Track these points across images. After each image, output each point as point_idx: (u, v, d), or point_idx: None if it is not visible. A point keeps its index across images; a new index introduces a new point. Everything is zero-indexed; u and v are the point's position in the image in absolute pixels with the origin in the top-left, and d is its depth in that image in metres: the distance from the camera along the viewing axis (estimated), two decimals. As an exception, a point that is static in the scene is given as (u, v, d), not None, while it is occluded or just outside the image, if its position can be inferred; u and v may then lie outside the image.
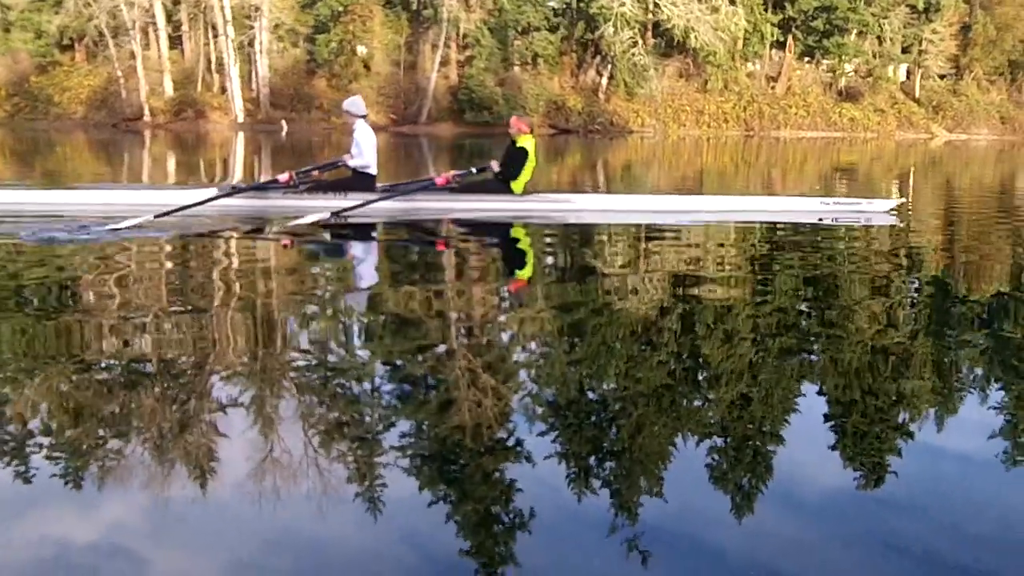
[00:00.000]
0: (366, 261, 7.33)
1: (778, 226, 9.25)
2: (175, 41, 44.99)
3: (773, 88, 51.76)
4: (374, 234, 8.53)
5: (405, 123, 41.94)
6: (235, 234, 7.99)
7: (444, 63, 45.26)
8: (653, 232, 8.86)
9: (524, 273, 6.61)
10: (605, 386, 3.94)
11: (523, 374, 4.06)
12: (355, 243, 8.17)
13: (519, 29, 46.11)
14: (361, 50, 44.79)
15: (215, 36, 40.65)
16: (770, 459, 3.13)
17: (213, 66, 42.54)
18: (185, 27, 44.23)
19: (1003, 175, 22.50)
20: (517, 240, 8.46)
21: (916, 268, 7.08)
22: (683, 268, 6.79)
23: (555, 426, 3.34)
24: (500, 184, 9.45)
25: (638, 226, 9.07)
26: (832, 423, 3.54)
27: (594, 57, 47.57)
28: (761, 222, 9.44)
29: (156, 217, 7.83)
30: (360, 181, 9.22)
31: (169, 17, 43.50)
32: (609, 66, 46.44)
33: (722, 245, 8.15)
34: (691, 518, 2.69)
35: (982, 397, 3.84)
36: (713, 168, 22.74)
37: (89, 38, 43.29)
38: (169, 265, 6.44)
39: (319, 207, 8.64)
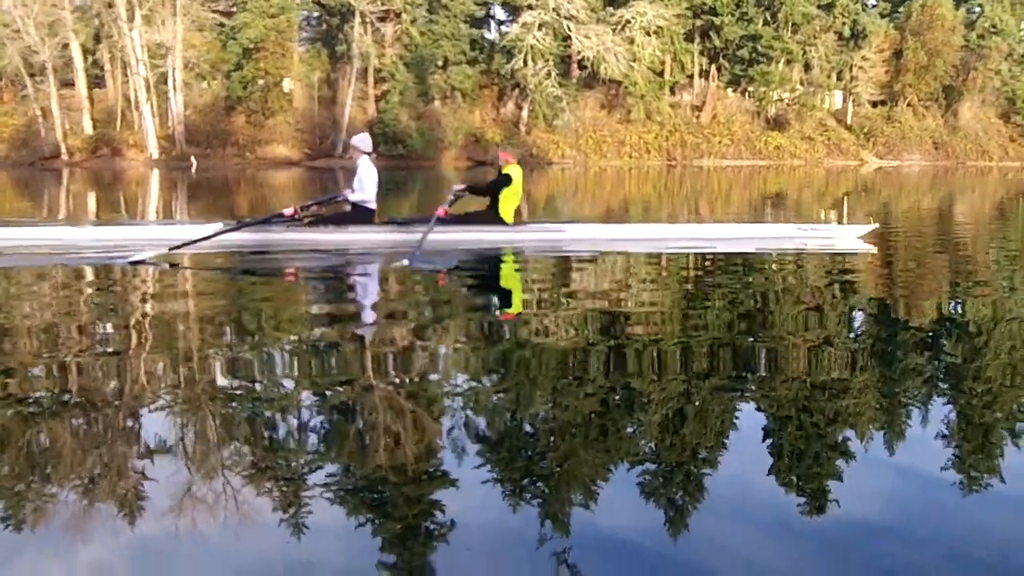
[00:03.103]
0: (350, 296, 7.64)
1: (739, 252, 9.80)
2: (100, 80, 49.39)
3: (698, 117, 56.27)
4: (371, 267, 8.95)
5: (320, 157, 45.88)
6: (237, 266, 8.78)
7: (363, 98, 49.95)
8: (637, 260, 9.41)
9: (513, 305, 6.98)
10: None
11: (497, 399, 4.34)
12: (353, 277, 8.52)
13: (437, 64, 50.69)
14: (287, 84, 49.94)
15: (134, 74, 45.77)
16: (703, 478, 3.36)
17: (133, 104, 46.18)
18: (107, 66, 48.49)
19: (940, 201, 23.64)
20: (506, 271, 9.04)
21: (878, 292, 7.63)
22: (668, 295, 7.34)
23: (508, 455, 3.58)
24: (490, 214, 10.26)
25: (624, 254, 9.63)
26: (771, 445, 3.77)
27: (514, 90, 51.99)
28: (740, 250, 9.88)
29: (171, 249, 8.75)
30: (359, 215, 10.04)
31: (93, 55, 48.16)
32: (529, 98, 50.88)
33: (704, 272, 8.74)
34: (623, 535, 2.89)
35: (925, 418, 4.08)
36: (637, 198, 23.98)
37: (6, 79, 47.47)
38: (171, 297, 7.05)
39: (327, 241, 9.64)
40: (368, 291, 7.69)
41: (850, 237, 10.88)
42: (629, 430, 3.95)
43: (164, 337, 5.48)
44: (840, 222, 14.70)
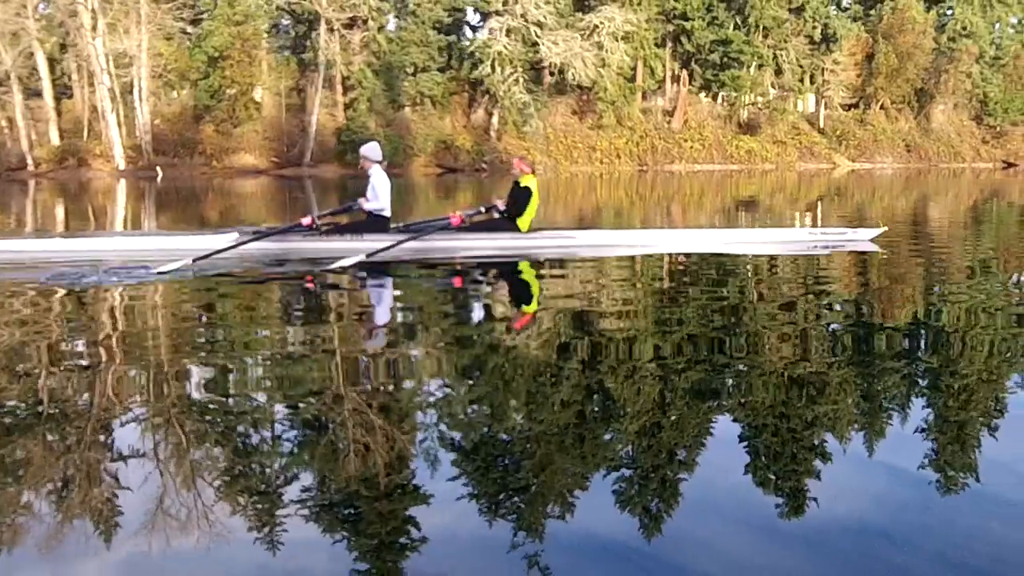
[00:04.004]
0: (372, 302, 7.96)
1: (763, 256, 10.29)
2: (68, 90, 48.77)
3: (670, 122, 56.64)
4: (387, 273, 9.19)
5: (288, 165, 45.85)
6: (259, 275, 9.02)
7: (332, 105, 49.68)
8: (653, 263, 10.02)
9: (529, 308, 7.39)
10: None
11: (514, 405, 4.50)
12: (369, 284, 8.78)
13: (407, 70, 50.84)
14: (258, 92, 50.26)
15: (99, 84, 45.97)
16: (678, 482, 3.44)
17: (100, 114, 47.09)
18: (75, 76, 48.74)
19: (915, 203, 24.03)
20: (523, 275, 9.47)
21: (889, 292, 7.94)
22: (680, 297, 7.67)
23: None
24: (507, 222, 10.53)
25: (632, 258, 10.26)
26: (748, 446, 3.87)
27: (483, 96, 52.08)
28: (754, 254, 10.29)
29: (194, 260, 8.96)
30: (375, 223, 10.30)
31: (60, 65, 47.72)
32: (498, 105, 51.13)
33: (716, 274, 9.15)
34: (601, 544, 2.95)
35: (903, 417, 4.23)
36: (609, 203, 24.36)
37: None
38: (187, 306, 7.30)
39: (344, 249, 9.63)
40: (382, 299, 8.02)
41: (862, 239, 11.30)
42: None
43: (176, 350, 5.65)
44: (814, 226, 15.15)
